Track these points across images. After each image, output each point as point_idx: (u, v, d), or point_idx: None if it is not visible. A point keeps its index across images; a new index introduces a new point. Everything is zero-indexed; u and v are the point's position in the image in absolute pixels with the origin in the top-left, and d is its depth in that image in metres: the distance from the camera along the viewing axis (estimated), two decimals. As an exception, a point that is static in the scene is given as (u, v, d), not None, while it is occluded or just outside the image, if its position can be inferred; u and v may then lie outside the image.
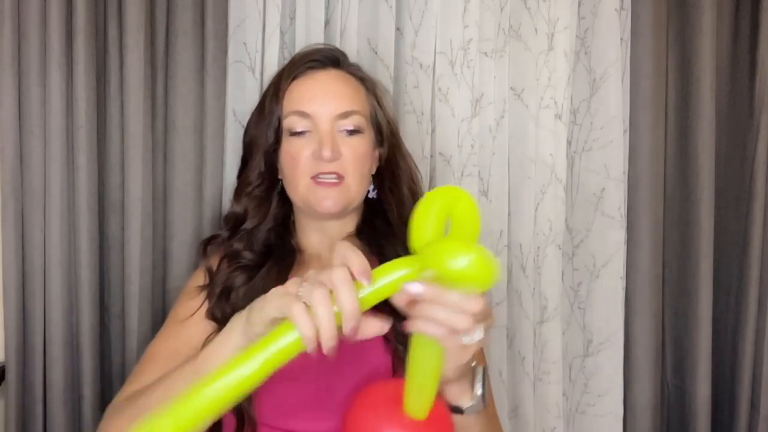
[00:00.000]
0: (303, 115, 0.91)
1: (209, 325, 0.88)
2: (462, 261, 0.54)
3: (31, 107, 1.10)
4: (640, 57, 1.29)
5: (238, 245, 0.95)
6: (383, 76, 1.23)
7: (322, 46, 1.02)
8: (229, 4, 1.17)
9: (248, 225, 0.96)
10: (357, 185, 0.92)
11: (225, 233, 0.97)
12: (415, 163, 1.04)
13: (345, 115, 0.92)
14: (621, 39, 1.28)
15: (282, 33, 1.20)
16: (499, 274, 0.54)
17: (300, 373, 0.82)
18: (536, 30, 1.28)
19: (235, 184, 1.01)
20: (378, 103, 0.98)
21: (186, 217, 1.17)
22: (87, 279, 1.12)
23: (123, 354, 1.17)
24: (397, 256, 0.92)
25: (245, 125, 1.02)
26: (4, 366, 1.13)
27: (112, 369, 1.20)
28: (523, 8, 1.28)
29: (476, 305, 0.59)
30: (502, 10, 1.26)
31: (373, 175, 0.98)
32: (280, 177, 0.97)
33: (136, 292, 1.14)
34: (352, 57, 1.20)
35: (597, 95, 1.30)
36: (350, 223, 0.98)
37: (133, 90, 1.12)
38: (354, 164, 0.91)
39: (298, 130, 0.92)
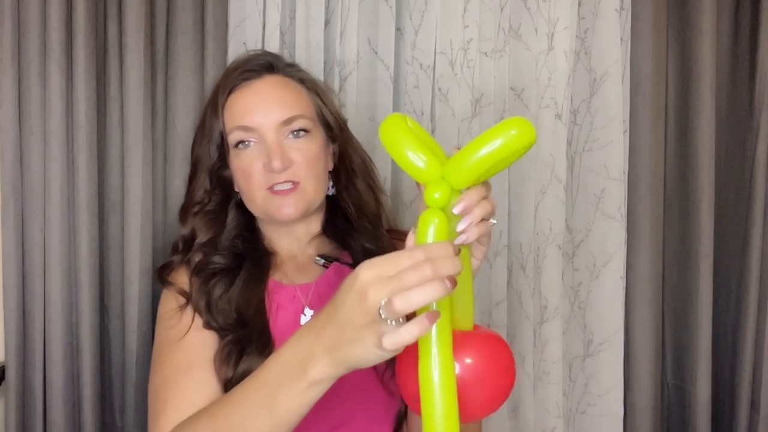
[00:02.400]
0: (246, 129, 0.89)
1: (210, 334, 0.86)
2: (505, 135, 0.56)
3: (31, 107, 1.10)
4: (640, 57, 1.29)
5: (198, 257, 0.92)
6: (383, 76, 1.24)
7: (253, 54, 0.98)
8: (229, 4, 1.17)
9: (201, 239, 0.93)
10: (313, 187, 0.90)
11: (177, 257, 0.94)
12: (368, 156, 1.02)
13: (289, 121, 0.89)
14: (621, 39, 1.28)
15: (282, 33, 1.20)
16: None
17: None
18: (536, 30, 1.28)
19: (180, 206, 0.98)
20: (321, 100, 0.96)
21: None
22: (87, 279, 1.12)
23: (123, 354, 1.17)
24: (363, 248, 0.94)
25: (191, 144, 0.99)
26: (4, 366, 1.13)
27: (112, 369, 1.20)
28: (523, 8, 1.28)
29: (486, 187, 0.63)
30: (502, 10, 1.26)
31: (330, 172, 0.97)
32: (236, 190, 0.95)
33: (136, 292, 1.14)
34: (352, 57, 1.21)
35: (597, 95, 1.30)
36: (315, 224, 0.97)
37: (133, 90, 1.12)
38: (307, 167, 0.89)
39: (244, 143, 0.89)
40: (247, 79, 0.92)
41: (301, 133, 0.90)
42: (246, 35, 1.18)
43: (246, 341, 0.83)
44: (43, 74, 1.10)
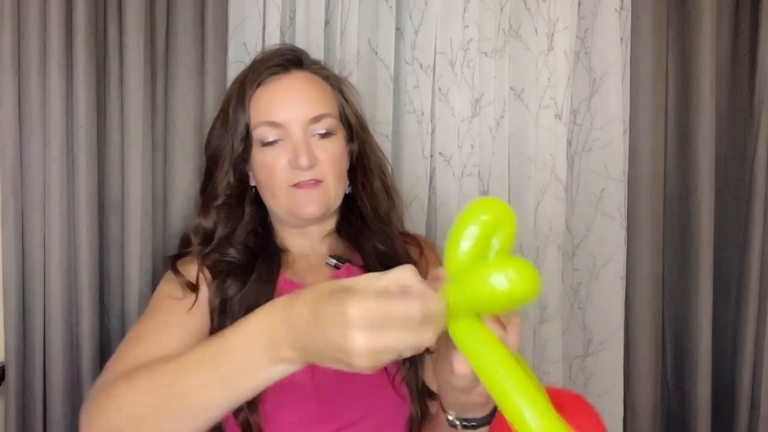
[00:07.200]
0: (274, 124, 0.88)
1: (203, 321, 0.85)
2: (501, 282, 0.51)
3: (31, 107, 1.10)
4: (640, 57, 1.29)
5: (215, 253, 0.91)
6: (383, 76, 1.24)
7: (281, 48, 0.98)
8: (229, 4, 1.17)
9: (221, 233, 0.93)
10: (336, 187, 0.91)
11: (197, 248, 0.92)
12: (384, 155, 1.02)
13: (317, 119, 0.89)
14: (621, 39, 1.28)
15: (282, 33, 1.20)
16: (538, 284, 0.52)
17: (300, 382, 0.81)
18: (536, 30, 1.28)
19: (200, 198, 0.97)
20: (345, 99, 0.96)
21: (186, 217, 1.17)
22: (87, 279, 1.12)
23: (123, 354, 1.17)
24: (375, 249, 0.93)
25: (206, 137, 0.99)
26: (4, 366, 1.13)
27: (112, 369, 1.20)
28: (523, 8, 1.28)
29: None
30: (502, 10, 1.26)
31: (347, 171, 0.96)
32: (253, 185, 0.94)
33: (136, 292, 1.14)
34: (352, 57, 1.21)
35: (597, 95, 1.30)
36: (330, 223, 0.97)
37: (133, 90, 1.12)
38: (331, 167, 0.90)
39: (270, 139, 0.89)
40: (275, 73, 0.91)
41: (328, 135, 0.90)
42: (246, 35, 1.18)
43: None
44: (43, 74, 1.10)
